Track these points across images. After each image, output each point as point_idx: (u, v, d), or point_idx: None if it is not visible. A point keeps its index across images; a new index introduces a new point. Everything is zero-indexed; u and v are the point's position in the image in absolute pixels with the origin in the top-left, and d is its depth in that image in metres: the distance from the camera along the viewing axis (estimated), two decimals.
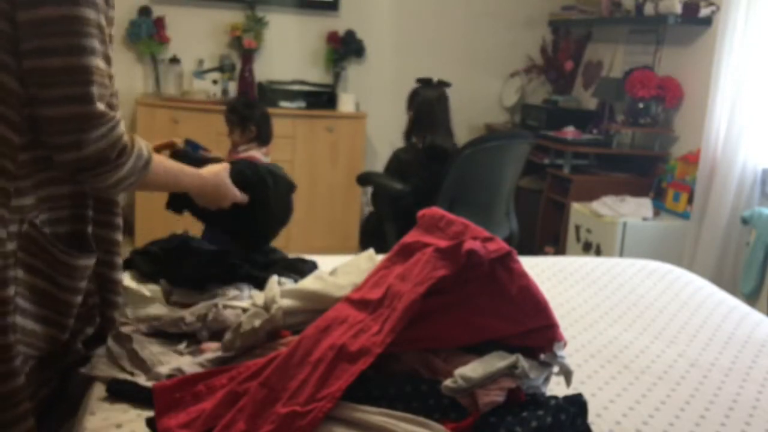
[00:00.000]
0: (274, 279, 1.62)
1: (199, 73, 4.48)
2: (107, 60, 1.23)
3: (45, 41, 1.15)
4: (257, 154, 3.13)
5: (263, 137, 3.20)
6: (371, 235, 3.59)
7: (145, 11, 4.39)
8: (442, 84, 3.52)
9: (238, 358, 1.42)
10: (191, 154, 1.66)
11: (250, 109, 3.20)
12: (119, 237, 1.46)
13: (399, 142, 5.03)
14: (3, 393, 1.26)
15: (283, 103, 4.43)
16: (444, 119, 3.44)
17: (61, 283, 1.33)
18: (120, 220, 1.47)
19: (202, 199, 1.58)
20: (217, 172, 1.57)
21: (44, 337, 1.33)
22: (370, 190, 4.55)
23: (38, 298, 1.30)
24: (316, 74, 4.77)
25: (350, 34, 4.70)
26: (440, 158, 3.28)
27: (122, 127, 1.25)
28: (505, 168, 3.39)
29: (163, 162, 1.39)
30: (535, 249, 4.37)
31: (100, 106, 1.19)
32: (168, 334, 1.56)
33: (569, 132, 4.33)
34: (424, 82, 3.56)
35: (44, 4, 1.14)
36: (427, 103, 3.41)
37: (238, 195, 1.64)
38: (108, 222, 1.44)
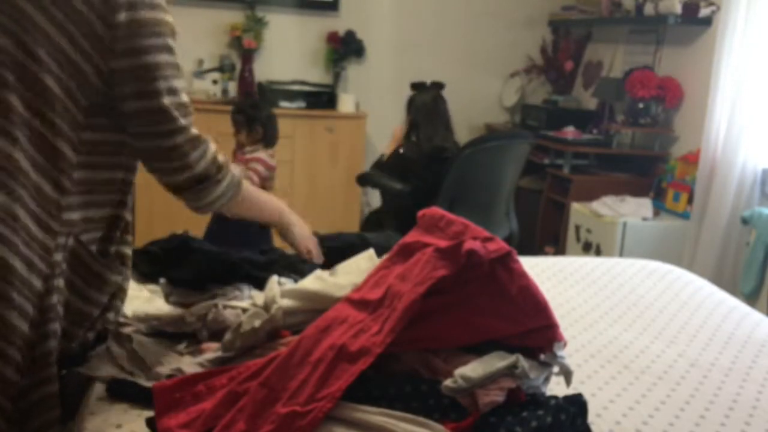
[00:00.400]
0: (274, 279, 1.62)
1: (199, 73, 4.48)
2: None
3: (142, 86, 1.30)
4: (263, 155, 3.13)
5: (269, 139, 3.20)
6: None
7: None
8: (436, 85, 3.52)
9: (238, 358, 1.42)
10: None
11: (256, 110, 3.20)
12: (130, 251, 1.54)
13: None
14: (43, 396, 1.31)
15: (283, 103, 4.43)
16: (443, 120, 3.44)
17: (90, 297, 1.40)
18: (131, 238, 1.55)
19: (281, 232, 1.76)
20: (298, 219, 1.76)
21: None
22: (369, 190, 4.56)
23: (65, 312, 1.36)
24: (316, 74, 4.77)
25: (350, 34, 4.70)
26: (441, 158, 3.28)
27: (214, 147, 1.41)
28: (506, 168, 3.39)
29: (250, 187, 1.54)
30: (535, 249, 4.36)
31: (194, 131, 1.36)
32: (168, 334, 1.56)
33: (569, 132, 4.33)
34: (418, 86, 3.55)
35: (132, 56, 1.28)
36: (424, 107, 3.41)
37: (312, 247, 1.81)
38: (124, 240, 1.50)
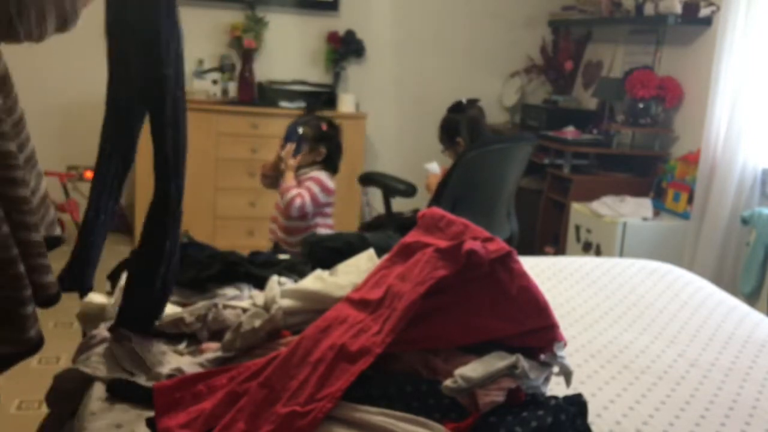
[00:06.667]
0: (274, 279, 1.63)
1: (199, 73, 4.48)
2: None
3: None
4: (322, 175, 2.83)
5: (332, 162, 2.90)
6: None
7: None
8: (472, 102, 3.45)
9: (238, 358, 1.42)
10: None
11: (331, 128, 2.93)
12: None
13: (399, 142, 5.01)
14: None
15: (283, 103, 4.43)
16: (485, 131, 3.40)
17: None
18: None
19: None
20: None
21: None
22: (370, 190, 4.55)
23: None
24: (316, 74, 4.77)
25: (350, 34, 4.70)
26: None
27: None
28: (509, 170, 3.37)
29: None
30: (535, 249, 4.36)
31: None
32: (168, 334, 1.56)
33: (569, 132, 4.33)
34: (458, 108, 3.42)
35: None
36: (475, 122, 3.34)
37: None
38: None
